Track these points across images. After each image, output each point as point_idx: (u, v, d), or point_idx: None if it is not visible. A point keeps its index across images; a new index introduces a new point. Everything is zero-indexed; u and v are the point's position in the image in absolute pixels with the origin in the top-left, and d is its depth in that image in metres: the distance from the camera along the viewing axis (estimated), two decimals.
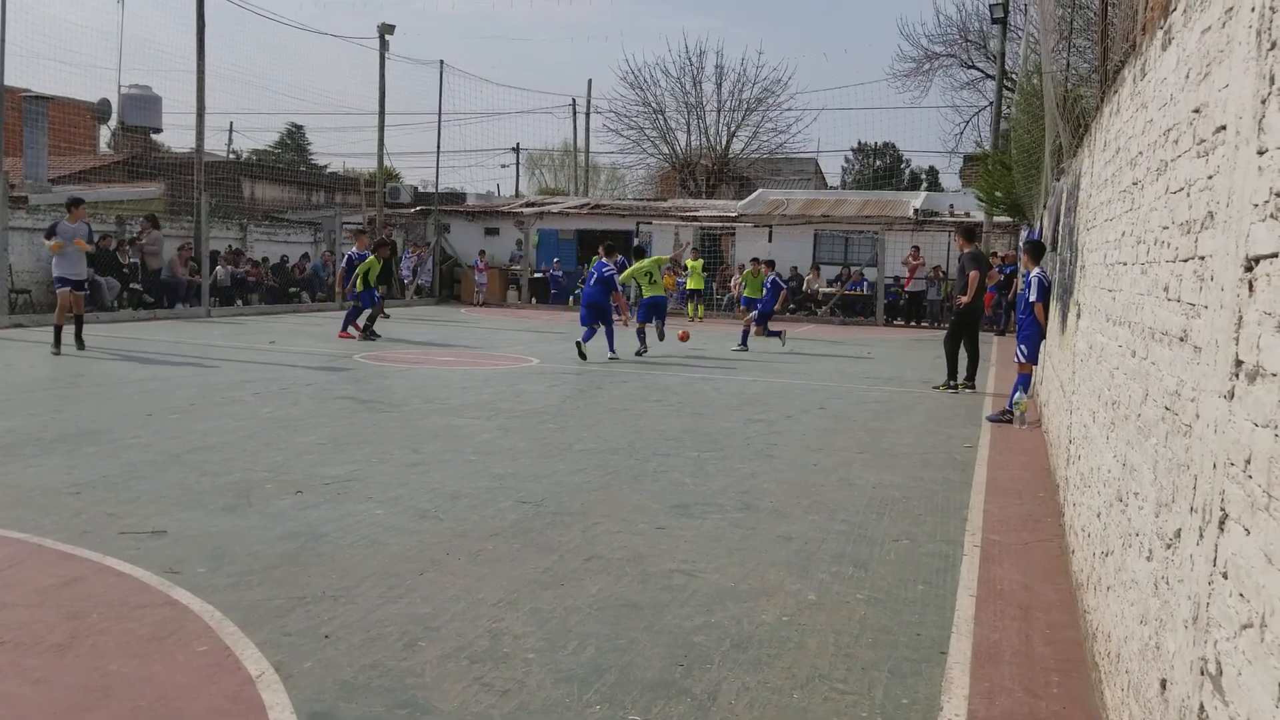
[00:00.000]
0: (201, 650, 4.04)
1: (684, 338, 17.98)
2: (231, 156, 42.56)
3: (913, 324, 26.61)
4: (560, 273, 30.86)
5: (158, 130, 34.79)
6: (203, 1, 23.57)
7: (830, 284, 28.57)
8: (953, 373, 12.76)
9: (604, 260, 15.68)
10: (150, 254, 22.03)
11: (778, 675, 4.01)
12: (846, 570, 5.38)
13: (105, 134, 35.09)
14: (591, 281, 15.56)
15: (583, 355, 14.99)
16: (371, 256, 18.35)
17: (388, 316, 22.78)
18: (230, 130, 47.46)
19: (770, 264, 20.77)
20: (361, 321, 17.95)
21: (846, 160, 59.46)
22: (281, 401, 10.32)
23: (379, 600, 4.68)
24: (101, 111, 32.55)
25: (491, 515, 6.20)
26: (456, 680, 3.85)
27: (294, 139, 57.51)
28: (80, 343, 14.15)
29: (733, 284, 28.21)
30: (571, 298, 29.96)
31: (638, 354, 15.89)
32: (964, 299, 12.41)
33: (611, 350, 15.34)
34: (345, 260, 19.75)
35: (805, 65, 72.41)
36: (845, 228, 29.48)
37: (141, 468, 7.13)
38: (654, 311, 16.57)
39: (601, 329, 15.40)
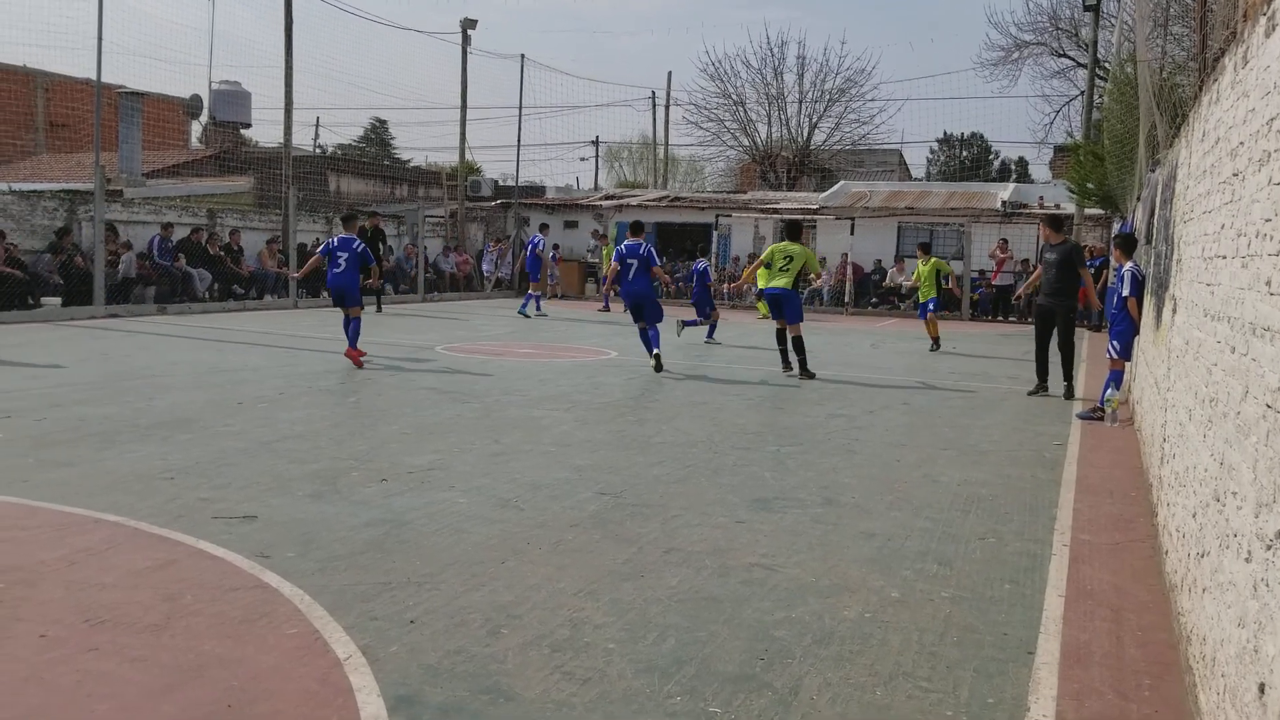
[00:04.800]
0: (291, 633, 4.14)
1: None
2: (318, 151, 43.42)
3: (1000, 318, 26.12)
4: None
5: (247, 125, 35.74)
6: None
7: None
8: (1068, 372, 11.88)
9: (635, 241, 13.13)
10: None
11: (860, 672, 3.98)
12: (930, 568, 5.31)
13: (196, 129, 36.15)
14: (632, 274, 12.93)
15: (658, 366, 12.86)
16: None
17: (379, 310, 21.71)
18: (317, 125, 48.61)
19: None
20: None
21: (931, 151, 58.65)
22: (366, 391, 10.51)
23: (462, 587, 4.74)
24: (193, 107, 33.50)
25: (571, 506, 6.24)
26: (538, 668, 3.89)
27: (378, 133, 58.50)
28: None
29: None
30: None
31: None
32: (1082, 300, 11.63)
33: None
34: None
35: (889, 55, 71.57)
36: (930, 220, 29.03)
37: (233, 454, 7.33)
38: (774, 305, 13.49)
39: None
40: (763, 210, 30.27)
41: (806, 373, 12.76)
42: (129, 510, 5.79)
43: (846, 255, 27.68)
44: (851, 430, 9.22)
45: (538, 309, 22.28)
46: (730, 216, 30.09)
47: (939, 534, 5.95)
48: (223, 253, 22.24)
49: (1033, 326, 12.42)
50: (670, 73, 68.34)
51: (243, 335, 15.76)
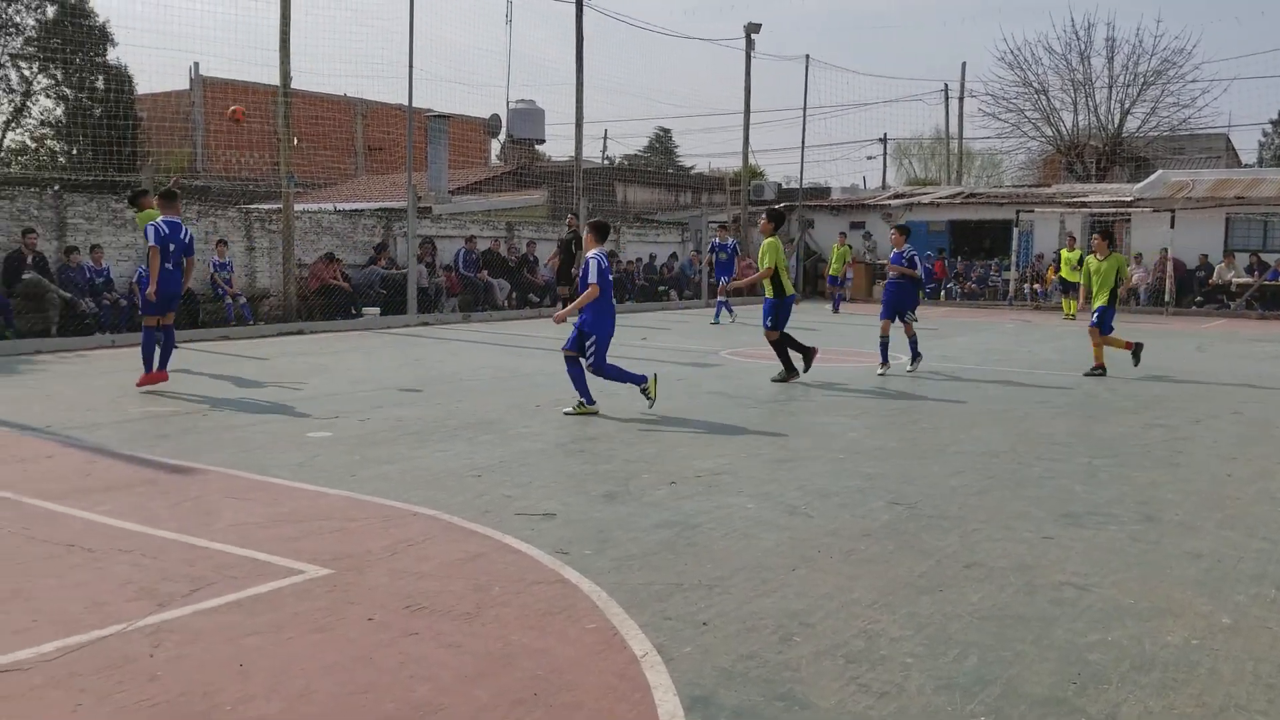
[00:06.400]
0: (590, 627, 4.27)
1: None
2: (606, 162, 45.03)
3: None
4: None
5: (541, 141, 37.54)
6: (581, 17, 25.09)
7: (1246, 273, 25.62)
8: None
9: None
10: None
11: (1186, 701, 3.63)
12: (1268, 593, 4.78)
13: (495, 146, 38.43)
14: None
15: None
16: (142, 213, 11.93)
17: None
18: (605, 137, 50.37)
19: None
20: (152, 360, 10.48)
21: (1265, 134, 53.11)
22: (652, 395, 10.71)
23: (753, 592, 4.73)
24: (492, 126, 35.60)
25: (862, 515, 6.09)
26: (833, 678, 3.80)
27: (662, 142, 60.01)
28: None
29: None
30: (943, 293, 28.93)
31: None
32: None
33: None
34: (710, 249, 21.06)
35: (1212, 31, 65.22)
36: (1263, 210, 26.29)
37: (532, 455, 7.68)
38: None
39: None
40: (1069, 204, 28.48)
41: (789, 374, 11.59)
42: (442, 505, 6.18)
43: (1166, 251, 25.59)
44: (1173, 441, 8.48)
45: (730, 314, 21.09)
46: (1032, 212, 28.53)
47: (1278, 556, 5.35)
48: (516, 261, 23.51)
49: None
50: (964, 63, 65.46)
51: (537, 341, 16.53)
